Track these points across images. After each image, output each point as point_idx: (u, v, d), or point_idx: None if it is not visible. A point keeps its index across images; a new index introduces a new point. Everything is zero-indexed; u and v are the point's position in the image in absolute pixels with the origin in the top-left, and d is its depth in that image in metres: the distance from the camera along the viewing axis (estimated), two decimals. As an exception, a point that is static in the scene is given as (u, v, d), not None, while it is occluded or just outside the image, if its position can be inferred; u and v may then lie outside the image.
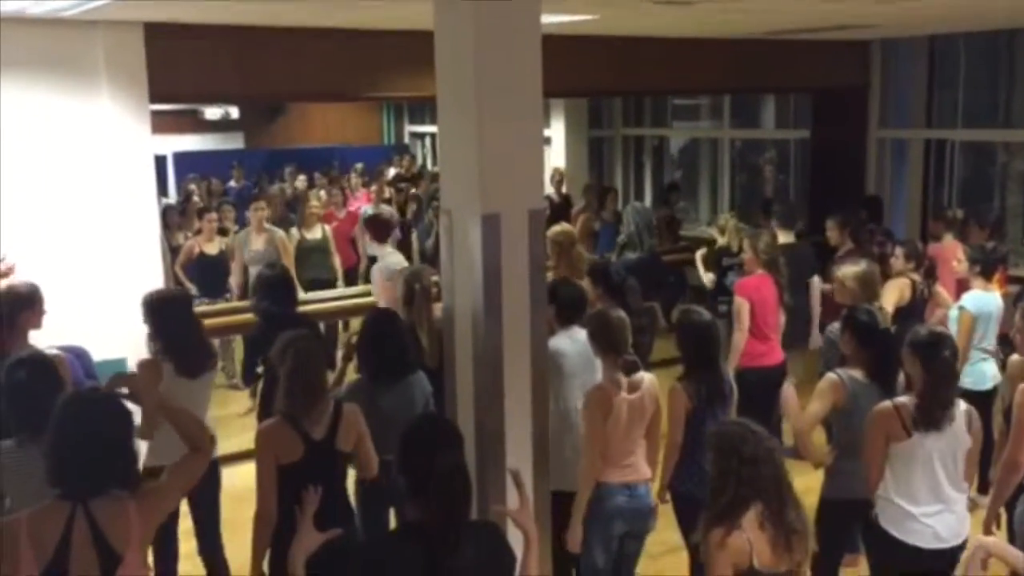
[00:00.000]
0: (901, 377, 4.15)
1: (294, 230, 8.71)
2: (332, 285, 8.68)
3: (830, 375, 4.20)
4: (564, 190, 11.70)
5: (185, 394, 4.30)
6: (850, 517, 4.12)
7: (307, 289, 7.93)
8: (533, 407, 3.41)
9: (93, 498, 2.62)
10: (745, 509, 2.93)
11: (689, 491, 4.22)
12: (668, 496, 4.35)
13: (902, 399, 3.78)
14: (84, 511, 2.60)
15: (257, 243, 8.14)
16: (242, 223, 10.36)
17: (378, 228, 7.15)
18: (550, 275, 5.79)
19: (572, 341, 4.39)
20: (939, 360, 3.72)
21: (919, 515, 3.72)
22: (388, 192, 11.68)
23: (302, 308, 6.26)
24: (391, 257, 6.81)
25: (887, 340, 4.18)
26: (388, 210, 10.00)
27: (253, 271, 7.52)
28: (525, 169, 3.27)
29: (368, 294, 7.59)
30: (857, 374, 4.13)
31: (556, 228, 6.18)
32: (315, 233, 8.73)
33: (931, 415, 3.68)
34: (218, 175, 13.51)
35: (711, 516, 2.99)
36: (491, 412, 3.32)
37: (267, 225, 8.37)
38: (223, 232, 8.70)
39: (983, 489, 5.77)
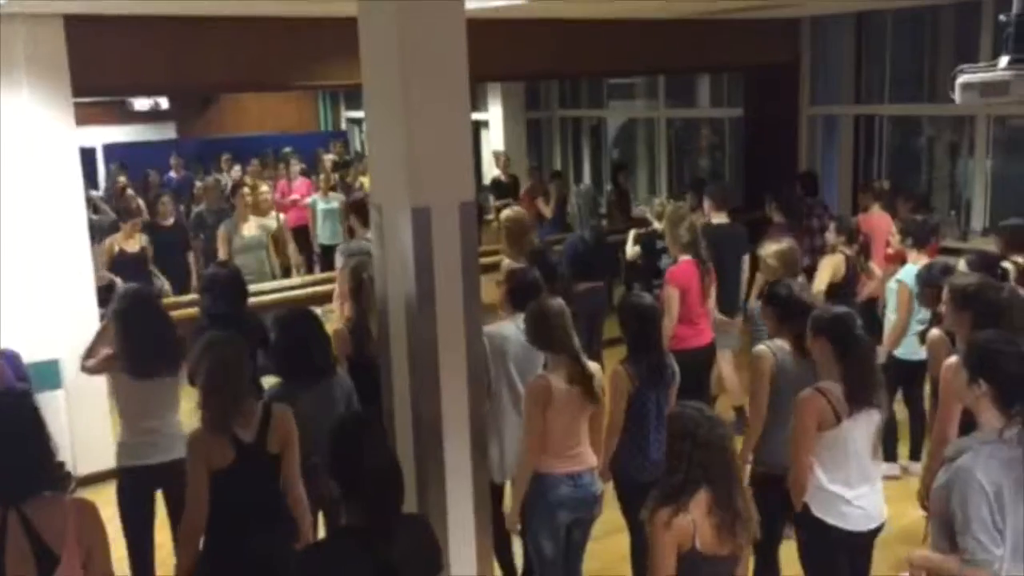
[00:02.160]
0: None
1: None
2: (287, 275, 8.63)
3: (760, 348, 4.28)
4: (511, 172, 11.78)
5: (137, 396, 4.27)
6: (784, 490, 4.12)
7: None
8: (470, 398, 3.42)
9: (24, 502, 2.59)
10: (694, 491, 2.99)
11: (631, 476, 4.28)
12: (610, 477, 4.40)
13: (826, 384, 3.74)
14: (17, 513, 2.57)
15: (249, 229, 8.01)
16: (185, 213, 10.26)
17: (363, 211, 6.98)
18: (504, 260, 5.84)
19: (517, 327, 4.40)
20: (852, 341, 3.72)
21: (852, 499, 3.73)
22: (333, 179, 11.59)
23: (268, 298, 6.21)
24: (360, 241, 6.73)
25: (806, 313, 4.25)
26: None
27: (240, 260, 7.38)
28: (454, 162, 3.26)
29: (318, 283, 7.59)
30: (784, 344, 4.23)
31: (507, 212, 6.20)
32: (270, 222, 8.61)
33: (860, 399, 3.67)
34: (149, 166, 13.23)
35: (660, 496, 3.04)
36: (428, 404, 3.33)
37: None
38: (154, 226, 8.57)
39: (915, 456, 5.97)
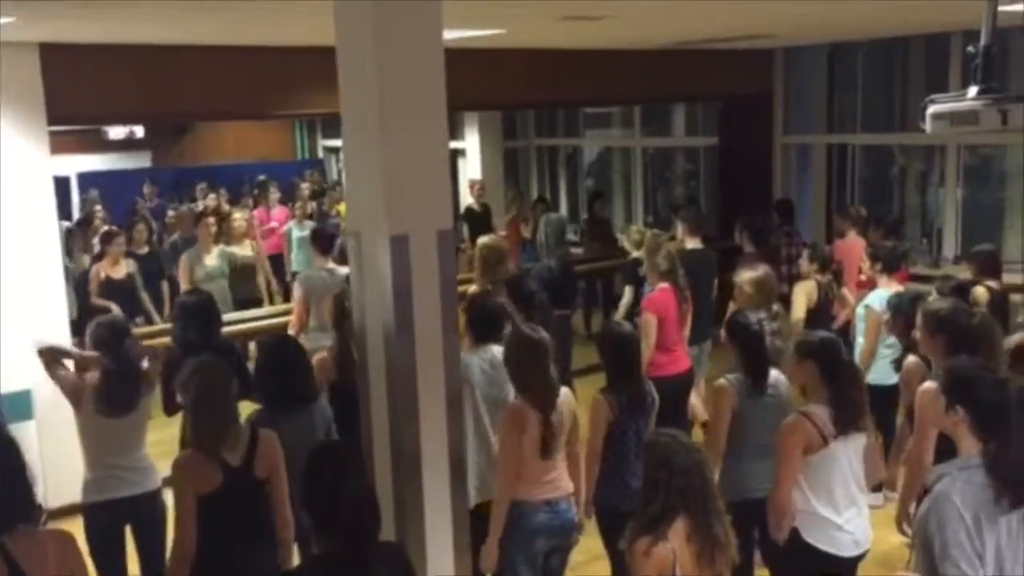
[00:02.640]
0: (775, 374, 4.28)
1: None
2: (261, 304, 8.59)
3: (720, 382, 4.33)
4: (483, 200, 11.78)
5: (103, 433, 4.23)
6: (751, 518, 4.04)
7: (237, 309, 7.85)
8: (448, 425, 3.42)
9: (3, 533, 2.56)
10: (673, 519, 2.98)
11: (612, 504, 4.27)
12: (593, 510, 4.37)
13: (810, 407, 3.80)
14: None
15: (211, 259, 7.99)
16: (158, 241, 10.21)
17: (322, 240, 7.02)
18: (471, 288, 5.82)
19: (479, 358, 4.41)
20: (839, 365, 3.81)
21: (842, 524, 3.77)
22: (310, 207, 11.60)
23: (229, 328, 6.18)
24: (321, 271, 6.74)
25: (755, 339, 4.28)
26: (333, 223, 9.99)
27: (206, 287, 7.37)
28: (432, 190, 3.28)
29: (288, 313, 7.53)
30: (741, 375, 4.27)
31: (483, 240, 6.16)
32: (244, 250, 8.55)
33: (847, 421, 3.73)
34: (125, 194, 13.19)
35: (639, 525, 3.03)
36: (407, 431, 3.32)
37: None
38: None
39: (894, 485, 6.01)
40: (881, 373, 5.78)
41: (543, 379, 4.00)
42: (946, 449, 3.20)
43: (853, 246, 7.51)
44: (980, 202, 9.44)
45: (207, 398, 3.52)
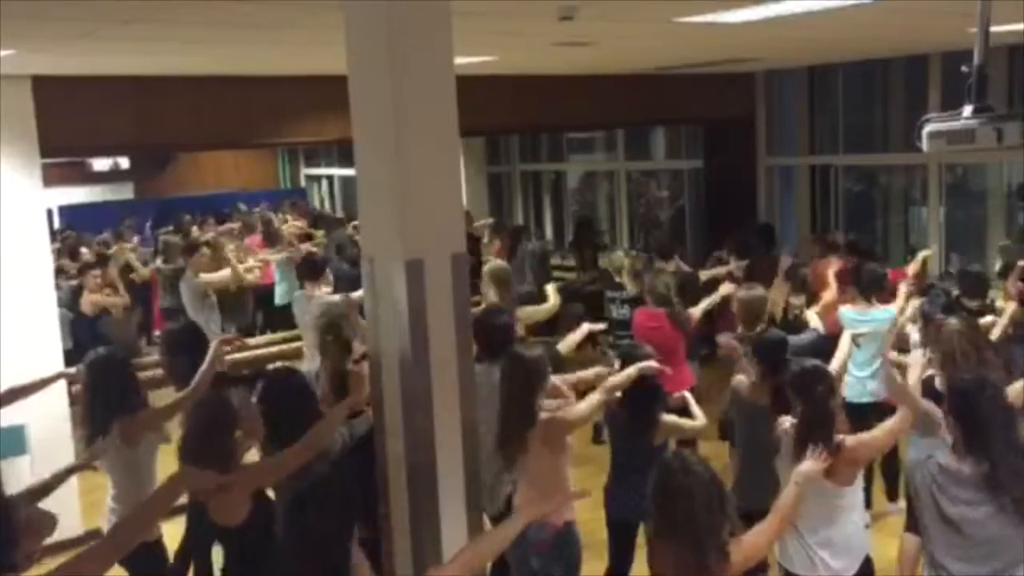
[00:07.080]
0: None
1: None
2: (253, 332, 8.58)
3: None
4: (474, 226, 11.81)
5: (124, 464, 4.18)
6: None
7: None
8: (464, 450, 3.41)
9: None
10: (664, 539, 2.81)
11: (625, 517, 4.35)
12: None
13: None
14: None
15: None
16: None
17: (310, 268, 7.07)
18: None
19: (487, 374, 4.43)
20: (814, 398, 3.72)
21: (814, 545, 3.72)
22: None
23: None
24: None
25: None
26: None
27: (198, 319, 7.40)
28: (446, 214, 3.31)
29: (289, 340, 7.55)
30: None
31: (493, 264, 6.36)
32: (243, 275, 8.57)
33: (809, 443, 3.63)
34: (107, 227, 13.13)
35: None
36: (423, 457, 3.32)
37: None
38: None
39: (892, 497, 6.05)
40: (855, 390, 5.79)
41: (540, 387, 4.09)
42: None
43: (824, 268, 7.54)
44: (962, 220, 9.58)
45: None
